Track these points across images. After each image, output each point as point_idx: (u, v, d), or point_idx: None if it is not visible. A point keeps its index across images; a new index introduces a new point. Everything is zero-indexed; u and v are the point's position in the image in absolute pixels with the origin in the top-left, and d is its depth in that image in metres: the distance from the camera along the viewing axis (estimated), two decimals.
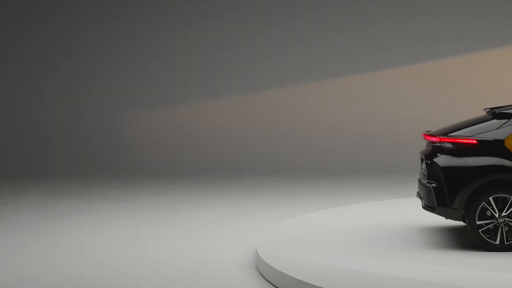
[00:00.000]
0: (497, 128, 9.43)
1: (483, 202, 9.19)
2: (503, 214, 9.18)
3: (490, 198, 9.19)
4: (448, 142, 9.49)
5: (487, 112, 9.93)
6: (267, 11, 21.09)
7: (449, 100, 19.33)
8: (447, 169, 9.38)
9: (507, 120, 9.47)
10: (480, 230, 9.24)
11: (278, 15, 21.09)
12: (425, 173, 9.78)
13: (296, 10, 20.99)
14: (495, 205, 9.19)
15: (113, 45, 22.14)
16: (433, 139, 9.68)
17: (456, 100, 19.25)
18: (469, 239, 9.49)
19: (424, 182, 9.74)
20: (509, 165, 9.17)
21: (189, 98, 21.66)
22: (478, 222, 9.22)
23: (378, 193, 15.33)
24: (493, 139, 9.32)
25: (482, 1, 20.08)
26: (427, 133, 9.91)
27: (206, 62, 21.59)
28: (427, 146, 10.02)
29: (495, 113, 9.70)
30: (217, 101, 21.53)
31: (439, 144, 9.58)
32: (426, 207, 9.73)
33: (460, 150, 9.38)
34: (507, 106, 9.93)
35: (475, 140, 9.37)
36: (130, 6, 21.90)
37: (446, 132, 9.69)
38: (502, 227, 9.20)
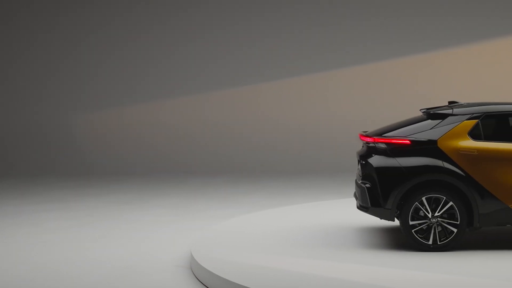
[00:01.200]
0: (430, 129, 9.45)
1: (416, 203, 9.20)
2: (436, 214, 9.20)
3: (423, 199, 9.20)
4: (382, 142, 9.49)
5: (423, 112, 9.96)
6: (218, 11, 21.03)
7: (398, 100, 19.39)
8: (380, 170, 9.38)
9: (441, 120, 9.49)
10: (413, 230, 9.25)
11: (229, 16, 21.04)
12: (360, 173, 9.79)
13: (248, 10, 20.95)
14: (428, 206, 9.20)
15: (63, 46, 21.95)
16: (368, 139, 9.68)
17: (406, 100, 19.33)
18: (403, 240, 9.50)
19: (359, 182, 9.75)
20: (442, 165, 9.20)
21: (138, 99, 21.55)
22: (411, 222, 9.23)
23: (324, 193, 15.33)
24: (426, 140, 9.34)
25: (425, 3, 20.17)
26: (363, 133, 9.91)
27: (155, 63, 21.48)
28: (362, 146, 10.03)
29: (430, 114, 9.73)
30: (167, 101, 21.42)
31: (373, 145, 9.58)
32: (361, 207, 9.74)
33: (394, 150, 9.39)
34: (442, 106, 9.96)
35: (408, 140, 9.38)
36: (78, 8, 21.72)
37: (381, 133, 9.70)
38: (435, 227, 9.23)
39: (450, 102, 10.09)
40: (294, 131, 19.96)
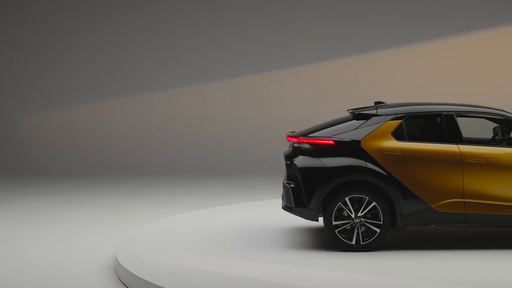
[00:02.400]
0: (354, 129, 9.48)
1: (339, 203, 9.22)
2: (359, 214, 9.23)
3: (346, 199, 9.23)
4: (306, 143, 9.50)
5: (349, 112, 9.98)
6: (164, 11, 20.95)
7: (340, 101, 19.42)
8: (304, 170, 9.39)
9: (365, 121, 9.53)
10: (336, 230, 9.27)
11: (174, 16, 20.96)
12: (285, 173, 9.80)
13: (193, 10, 20.90)
14: (351, 206, 9.23)
15: (7, 46, 21.72)
16: (293, 140, 9.68)
17: (347, 100, 19.37)
18: (328, 240, 9.51)
19: (284, 182, 9.75)
20: (365, 165, 9.23)
21: (84, 98, 21.40)
22: (334, 223, 9.26)
23: (263, 193, 15.32)
24: (350, 140, 9.37)
25: (362, 4, 20.28)
26: (290, 134, 9.90)
27: (101, 63, 21.34)
28: (289, 147, 10.02)
29: (355, 114, 9.76)
30: (114, 101, 21.30)
31: (298, 145, 9.59)
32: (285, 207, 9.75)
33: (318, 150, 9.41)
34: (369, 107, 9.99)
35: (332, 141, 9.40)
36: (26, 8, 21.52)
37: (307, 133, 9.71)
38: (358, 228, 9.26)
39: (376, 103, 10.13)
40: (238, 131, 19.95)
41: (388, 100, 10.94)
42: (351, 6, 20.27)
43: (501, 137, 10.08)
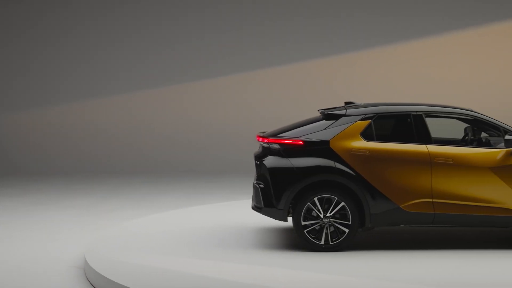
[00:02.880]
0: (324, 129, 9.48)
1: (308, 203, 9.22)
2: (328, 214, 9.24)
3: (315, 199, 9.23)
4: (275, 143, 9.49)
5: (320, 112, 9.98)
6: (141, 11, 20.92)
7: (317, 101, 19.41)
8: (273, 170, 9.39)
9: (334, 121, 9.53)
10: (305, 231, 9.28)
11: (151, 16, 20.93)
12: (256, 174, 9.79)
13: (172, 11, 20.87)
14: (320, 206, 9.24)
15: None
16: (262, 140, 9.67)
17: (324, 100, 19.39)
18: (297, 240, 9.52)
19: (254, 183, 9.74)
20: (333, 165, 9.24)
21: (64, 98, 21.33)
22: (303, 223, 9.26)
23: (240, 193, 15.32)
24: (319, 140, 9.37)
25: (337, 5, 20.30)
26: (260, 134, 9.89)
27: (81, 63, 21.28)
28: (260, 147, 10.01)
29: (324, 114, 9.76)
30: (92, 101, 21.25)
31: (268, 145, 9.58)
32: (255, 207, 9.74)
33: (287, 151, 9.41)
34: (339, 107, 10.00)
35: (301, 141, 9.40)
36: (1, 8, 21.43)
37: (277, 133, 9.70)
38: (327, 228, 9.26)
39: (346, 103, 10.14)
40: (217, 131, 19.93)
41: (363, 100, 10.96)
42: (325, 6, 20.28)
43: (472, 137, 10.12)
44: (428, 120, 9.84)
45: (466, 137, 10.24)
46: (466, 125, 10.24)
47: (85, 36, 21.22)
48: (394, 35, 20.10)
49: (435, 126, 10.49)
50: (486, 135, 9.98)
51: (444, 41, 20.03)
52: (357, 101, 10.60)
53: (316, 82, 20.32)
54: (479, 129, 10.03)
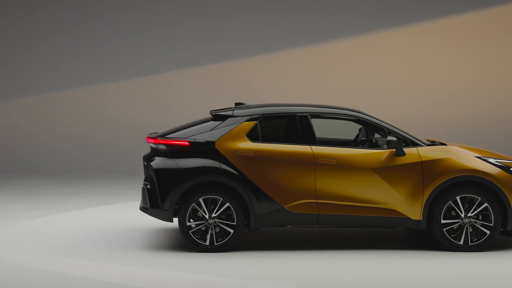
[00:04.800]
0: (210, 130, 9.51)
1: (194, 204, 9.24)
2: (213, 215, 9.27)
3: (200, 200, 9.26)
4: (162, 144, 9.50)
5: (211, 113, 9.99)
6: (64, 12, 20.74)
7: (225, 103, 19.41)
8: (159, 171, 9.40)
9: (221, 122, 9.56)
10: (190, 231, 9.29)
11: (72, 17, 20.76)
12: (144, 174, 9.80)
13: (91, 11, 20.73)
14: (206, 207, 9.26)
15: None
16: (151, 141, 9.67)
17: (229, 102, 19.39)
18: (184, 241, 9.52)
19: (142, 184, 9.74)
20: (218, 166, 9.27)
21: None
22: (188, 223, 9.28)
23: None
24: (204, 141, 9.40)
25: (246, 6, 20.37)
26: (150, 135, 9.88)
27: (3, 63, 21.02)
28: (150, 148, 9.99)
29: (213, 115, 9.79)
30: (11, 101, 20.99)
31: (155, 146, 9.58)
32: (142, 208, 9.74)
33: (173, 151, 9.43)
34: (228, 108, 10.02)
35: (187, 142, 9.41)
36: None
37: (165, 134, 9.71)
38: (212, 228, 9.29)
39: (236, 104, 10.16)
40: (137, 131, 19.80)
41: (262, 101, 11.00)
42: (233, 7, 20.29)
43: (363, 138, 10.21)
44: (329, 122, 9.93)
45: (357, 138, 10.34)
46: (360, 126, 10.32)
47: (4, 36, 20.96)
48: (302, 37, 20.19)
49: (334, 128, 10.59)
50: (379, 136, 10.04)
51: (357, 43, 20.18)
52: (261, 101, 10.64)
53: (222, 84, 20.27)
54: (372, 130, 10.10)
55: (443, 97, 20.00)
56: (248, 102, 10.55)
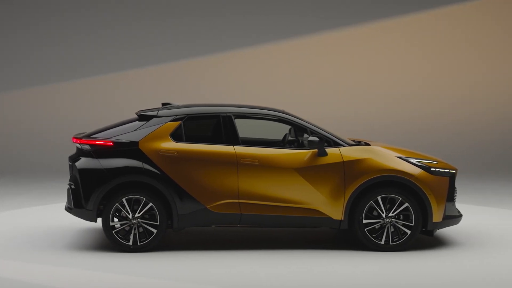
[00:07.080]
0: (135, 130, 9.55)
1: (117, 204, 9.28)
2: (137, 215, 9.32)
3: (124, 200, 9.30)
4: (86, 144, 9.53)
5: (136, 114, 10.01)
6: (19, 11, 20.68)
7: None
8: (83, 171, 9.43)
9: (146, 122, 9.60)
10: (114, 231, 9.34)
11: (28, 15, 20.71)
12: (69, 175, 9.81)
13: (38, 12, 20.67)
14: (129, 207, 9.31)
15: None
16: (76, 141, 9.69)
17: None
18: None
19: (67, 184, 9.75)
20: (142, 166, 9.31)
21: None
22: (111, 223, 9.32)
23: None
24: (128, 141, 9.43)
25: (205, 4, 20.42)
26: (76, 136, 9.88)
27: None
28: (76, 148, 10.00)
29: (138, 115, 9.83)
30: None
31: (80, 146, 9.60)
32: (67, 208, 9.75)
33: (97, 152, 9.46)
34: (154, 108, 10.06)
35: (111, 142, 9.44)
36: None
37: (90, 134, 9.73)
38: (135, 228, 9.33)
39: (163, 104, 10.20)
40: (86, 130, 19.75)
41: (208, 101, 11.05)
42: (180, 8, 20.33)
43: (290, 138, 10.28)
44: (260, 122, 9.98)
45: (285, 138, 10.41)
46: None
47: None
48: (253, 36, 20.28)
49: (265, 128, 10.65)
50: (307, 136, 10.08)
51: (306, 43, 20.28)
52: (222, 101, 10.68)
53: (175, 84, 20.28)
54: (300, 131, 10.14)
55: (395, 97, 20.11)
56: (196, 101, 10.59)
